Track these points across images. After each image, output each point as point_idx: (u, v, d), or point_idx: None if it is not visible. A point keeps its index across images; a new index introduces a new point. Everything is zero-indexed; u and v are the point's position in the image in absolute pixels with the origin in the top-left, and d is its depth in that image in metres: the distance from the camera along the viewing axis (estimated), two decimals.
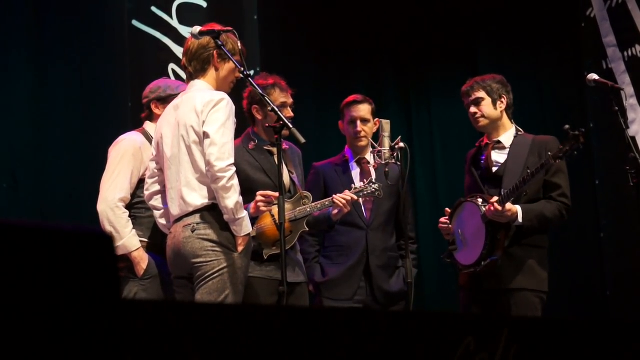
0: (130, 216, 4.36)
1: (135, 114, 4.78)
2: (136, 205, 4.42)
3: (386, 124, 4.56)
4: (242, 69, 3.96)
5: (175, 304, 2.59)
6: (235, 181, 3.87)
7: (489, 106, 4.74)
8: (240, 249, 3.91)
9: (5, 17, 5.35)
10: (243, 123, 4.88)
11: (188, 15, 5.55)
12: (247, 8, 5.87)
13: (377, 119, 5.08)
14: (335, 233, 4.90)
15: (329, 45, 7.05)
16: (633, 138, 5.89)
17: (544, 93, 6.69)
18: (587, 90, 5.95)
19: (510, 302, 4.49)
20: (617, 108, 4.59)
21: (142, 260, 4.29)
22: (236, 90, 5.18)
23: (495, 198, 4.45)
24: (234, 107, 3.98)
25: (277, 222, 4.19)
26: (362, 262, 4.92)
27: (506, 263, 4.50)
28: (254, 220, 4.35)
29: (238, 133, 4.83)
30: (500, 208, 4.40)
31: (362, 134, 5.02)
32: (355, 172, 5.07)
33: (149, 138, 4.49)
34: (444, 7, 7.19)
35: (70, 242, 1.44)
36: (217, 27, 4.08)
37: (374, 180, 4.64)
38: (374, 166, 5.03)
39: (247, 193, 4.40)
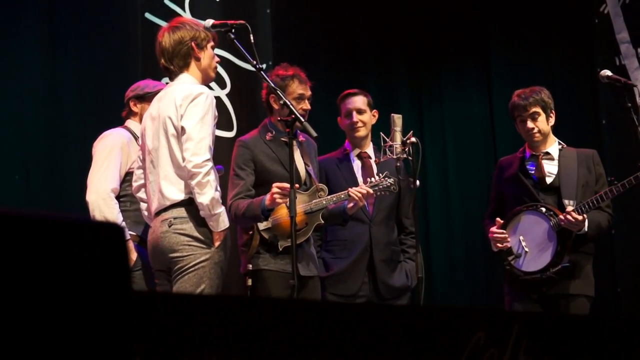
0: None
1: None
2: (122, 199, 4.46)
3: (398, 118, 4.54)
4: (255, 62, 3.95)
5: (185, 296, 2.59)
6: (212, 177, 3.85)
7: (544, 122, 4.79)
8: (216, 244, 3.92)
9: (18, 10, 5.36)
10: (261, 113, 4.89)
11: (201, 8, 5.54)
12: (260, 1, 5.86)
13: (375, 111, 5.11)
14: (337, 227, 4.89)
15: (342, 40, 7.04)
16: None
17: (556, 89, 6.64)
18: (600, 86, 5.94)
19: (569, 306, 4.62)
20: (629, 104, 4.60)
21: (132, 251, 4.32)
22: (255, 81, 5.21)
23: (570, 207, 4.57)
24: (214, 100, 3.97)
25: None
26: (365, 256, 4.92)
27: (566, 269, 4.63)
28: (269, 211, 4.35)
29: (257, 123, 4.85)
30: (580, 217, 4.54)
31: (359, 124, 5.03)
32: (357, 166, 5.07)
33: (133, 134, 4.57)
34: (457, 2, 7.17)
35: (81, 233, 1.44)
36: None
37: (389, 175, 4.62)
38: (375, 161, 5.02)
39: (264, 184, 4.41)
